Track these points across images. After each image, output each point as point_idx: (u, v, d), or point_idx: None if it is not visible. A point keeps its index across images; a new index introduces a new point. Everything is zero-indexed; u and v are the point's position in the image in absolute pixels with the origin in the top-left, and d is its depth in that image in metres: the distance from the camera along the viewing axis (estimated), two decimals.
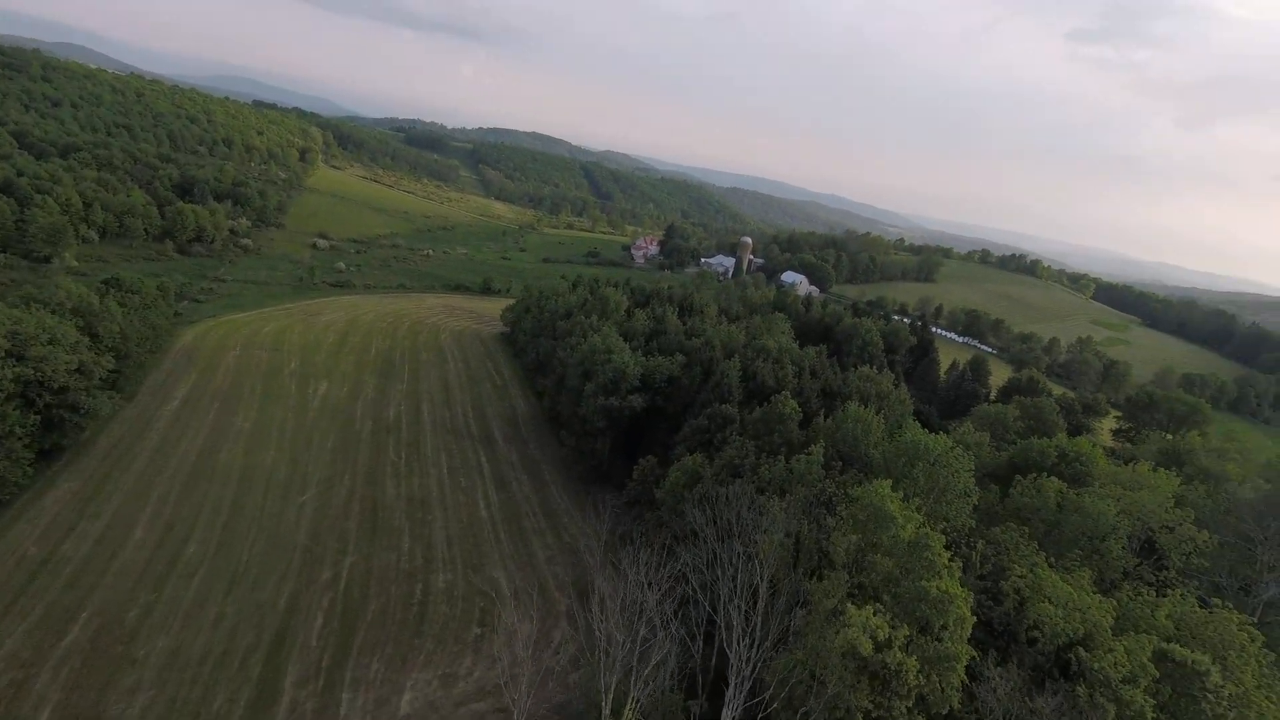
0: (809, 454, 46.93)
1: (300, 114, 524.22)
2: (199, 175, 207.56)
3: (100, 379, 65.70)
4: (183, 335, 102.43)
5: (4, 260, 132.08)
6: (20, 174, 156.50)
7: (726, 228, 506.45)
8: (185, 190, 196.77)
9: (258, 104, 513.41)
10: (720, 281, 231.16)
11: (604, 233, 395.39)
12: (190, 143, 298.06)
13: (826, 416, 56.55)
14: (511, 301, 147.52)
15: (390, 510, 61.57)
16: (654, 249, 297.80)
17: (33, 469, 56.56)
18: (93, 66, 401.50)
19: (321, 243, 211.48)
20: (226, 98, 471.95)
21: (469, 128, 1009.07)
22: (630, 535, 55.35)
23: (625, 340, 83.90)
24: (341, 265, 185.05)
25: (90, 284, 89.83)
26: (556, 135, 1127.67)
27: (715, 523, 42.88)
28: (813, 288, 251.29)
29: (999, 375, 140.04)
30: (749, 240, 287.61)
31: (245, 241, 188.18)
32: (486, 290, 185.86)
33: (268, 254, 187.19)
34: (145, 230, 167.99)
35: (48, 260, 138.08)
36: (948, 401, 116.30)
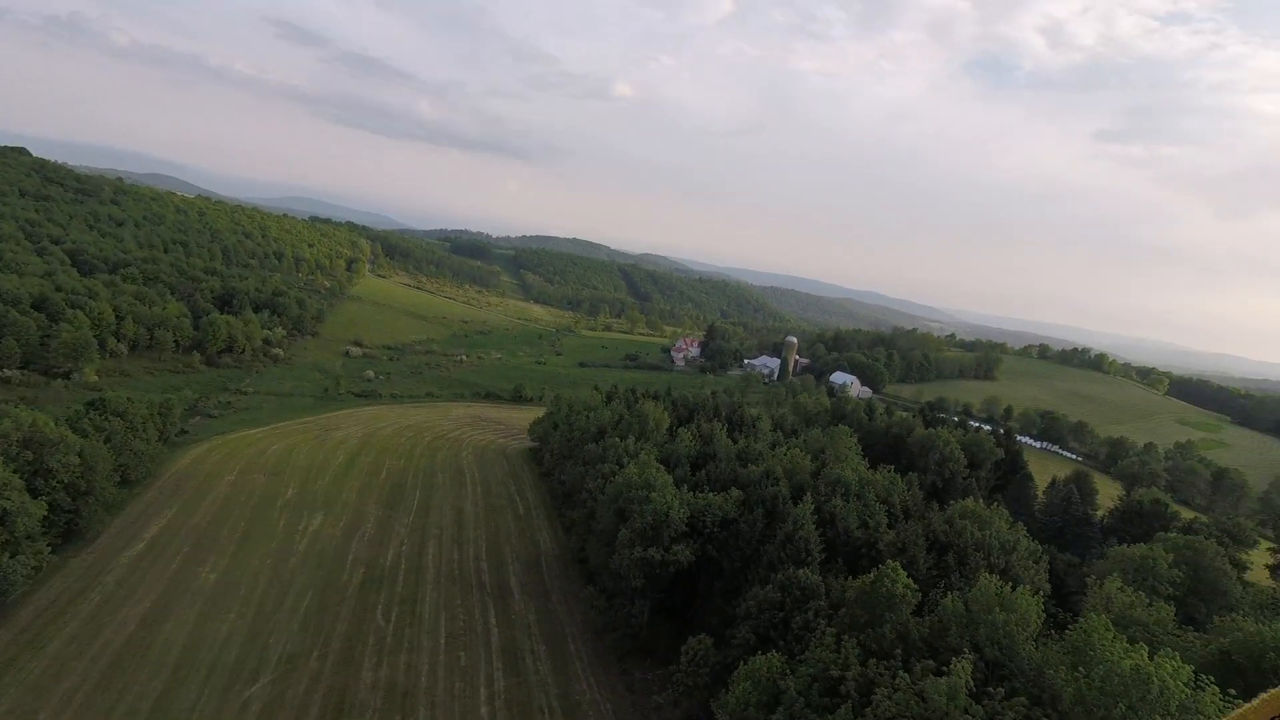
0: (948, 670, 31.73)
1: (352, 227, 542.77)
2: (240, 286, 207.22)
3: (40, 526, 54.78)
4: (179, 459, 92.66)
5: (20, 377, 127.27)
6: (58, 289, 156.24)
7: (768, 326, 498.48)
8: (226, 302, 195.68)
9: (314, 219, 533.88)
10: (766, 384, 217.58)
11: (643, 334, 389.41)
12: (243, 257, 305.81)
13: (946, 589, 41.31)
14: (542, 413, 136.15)
15: (359, 711, 46.81)
16: (695, 350, 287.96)
17: None
18: (165, 190, 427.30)
19: (354, 350, 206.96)
20: (285, 214, 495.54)
21: (513, 235, 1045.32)
22: None
23: (668, 467, 70.18)
24: (370, 373, 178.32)
25: (74, 407, 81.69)
26: (596, 240, 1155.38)
27: None
28: (865, 389, 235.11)
29: (1103, 493, 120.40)
30: (794, 340, 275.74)
31: (277, 351, 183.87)
32: (518, 398, 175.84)
33: (298, 363, 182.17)
34: (176, 342, 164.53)
35: (67, 376, 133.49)
36: (1052, 530, 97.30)
